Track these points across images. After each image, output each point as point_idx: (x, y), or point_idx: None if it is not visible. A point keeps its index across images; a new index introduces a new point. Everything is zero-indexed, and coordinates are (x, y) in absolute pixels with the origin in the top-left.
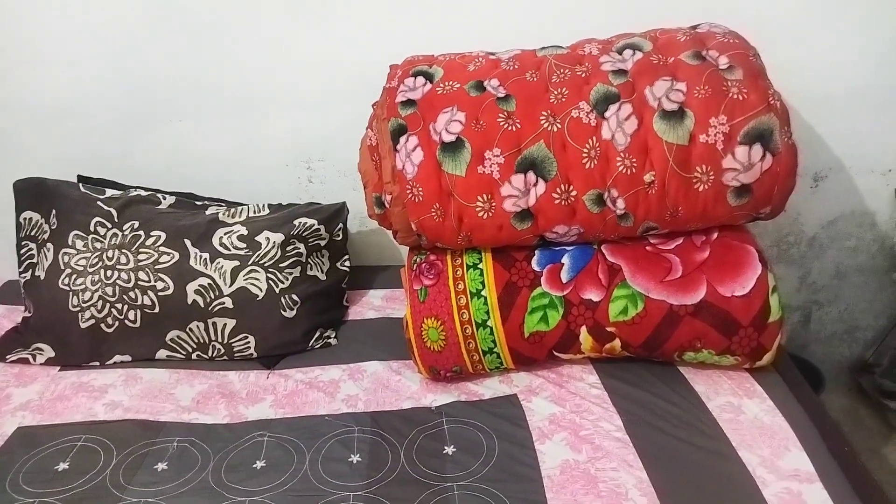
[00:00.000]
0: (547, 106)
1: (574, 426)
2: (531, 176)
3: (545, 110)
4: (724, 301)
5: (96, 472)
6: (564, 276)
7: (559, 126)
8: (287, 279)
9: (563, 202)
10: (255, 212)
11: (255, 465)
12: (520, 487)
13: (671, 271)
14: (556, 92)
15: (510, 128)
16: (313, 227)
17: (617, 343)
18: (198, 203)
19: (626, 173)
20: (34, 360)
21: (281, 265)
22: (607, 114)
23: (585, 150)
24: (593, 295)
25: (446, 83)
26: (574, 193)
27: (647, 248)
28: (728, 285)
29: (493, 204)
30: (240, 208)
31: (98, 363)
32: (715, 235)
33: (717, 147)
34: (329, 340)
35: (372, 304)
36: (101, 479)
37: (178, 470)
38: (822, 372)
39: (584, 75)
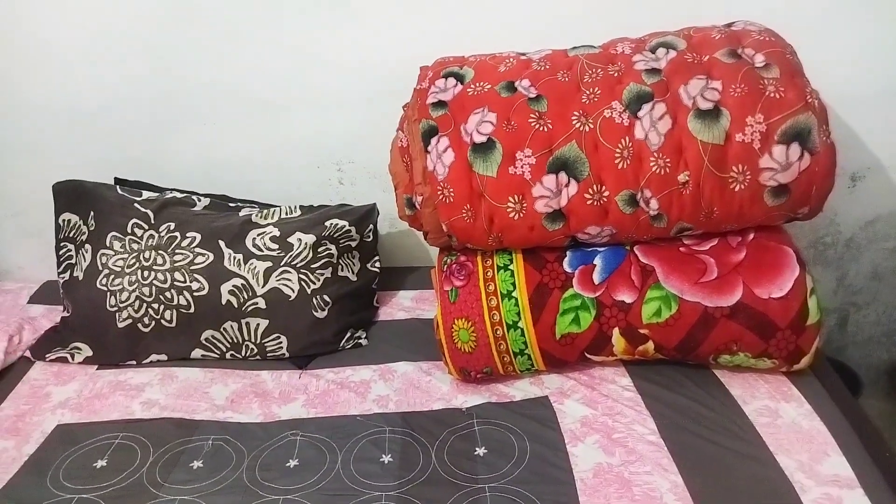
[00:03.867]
0: (579, 106)
1: (607, 429)
2: (563, 176)
3: (577, 110)
4: (761, 303)
5: (134, 470)
6: (596, 278)
7: (591, 126)
8: (318, 280)
9: (595, 203)
10: (286, 213)
11: (288, 464)
12: (552, 490)
13: (706, 272)
14: (588, 92)
15: (541, 128)
16: (344, 229)
17: (650, 345)
18: (231, 205)
19: (659, 173)
20: (72, 359)
21: (312, 266)
22: (640, 113)
23: (618, 151)
24: (626, 296)
25: (477, 84)
26: (606, 194)
27: (680, 248)
28: (765, 287)
29: (525, 205)
30: (272, 210)
31: (135, 362)
32: (751, 236)
33: (754, 146)
34: (360, 341)
35: (402, 305)
36: (138, 477)
37: (213, 468)
38: (859, 376)
39: (616, 74)
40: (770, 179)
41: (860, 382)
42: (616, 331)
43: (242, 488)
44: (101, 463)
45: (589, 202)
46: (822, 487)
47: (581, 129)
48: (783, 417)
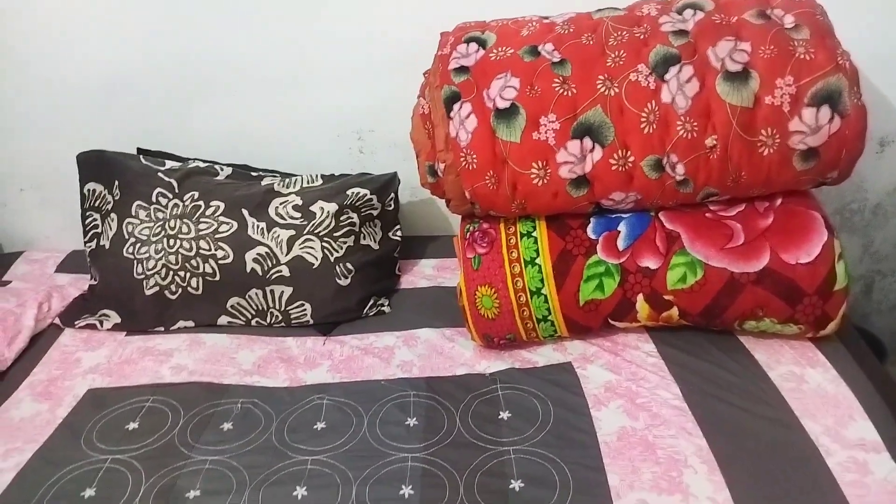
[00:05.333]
0: (604, 69)
1: (630, 394)
2: (587, 142)
3: (602, 74)
4: (789, 268)
5: (165, 432)
6: (621, 244)
7: (616, 90)
8: (341, 248)
9: (620, 168)
10: (308, 182)
11: (315, 427)
12: (576, 453)
13: (732, 238)
14: (613, 55)
15: (566, 93)
16: (366, 197)
17: (675, 311)
18: (253, 174)
19: (686, 137)
20: (101, 325)
21: (335, 234)
22: (667, 76)
23: (644, 115)
24: (651, 262)
25: (499, 49)
26: (632, 159)
27: (706, 214)
28: (792, 252)
29: (549, 171)
30: (293, 179)
31: (163, 329)
32: (779, 201)
33: (784, 109)
34: (382, 308)
35: (424, 274)
36: (170, 438)
37: (243, 430)
38: (884, 343)
39: (642, 37)
40: (799, 143)
41: (884, 350)
42: (640, 297)
43: (272, 449)
44: (132, 425)
45: (614, 168)
46: (847, 451)
47: (606, 93)
48: (808, 382)
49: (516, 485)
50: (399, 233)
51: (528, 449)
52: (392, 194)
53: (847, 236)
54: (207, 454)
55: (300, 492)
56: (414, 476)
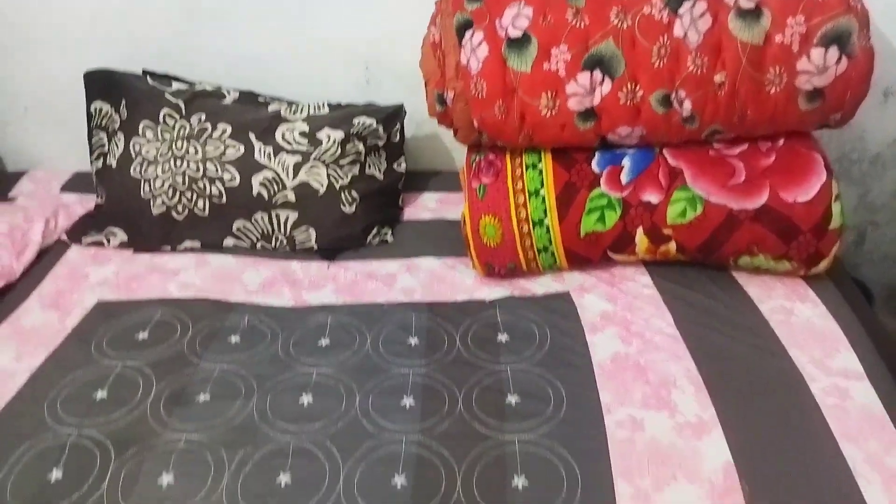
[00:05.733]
0: (618, 2)
1: (625, 322)
2: (597, 74)
3: (615, 6)
4: (786, 206)
5: (174, 342)
6: (624, 178)
7: (629, 23)
8: (346, 176)
9: (628, 102)
10: (314, 110)
11: (319, 343)
12: (571, 373)
13: (734, 175)
14: None
15: (578, 24)
16: (371, 127)
17: (672, 245)
18: (259, 100)
19: (695, 73)
20: (108, 243)
21: (341, 162)
22: (681, 10)
23: (655, 49)
24: (652, 197)
25: None
26: (640, 93)
27: (710, 152)
28: (791, 191)
29: (557, 102)
30: (300, 105)
31: (169, 247)
32: (781, 142)
33: (793, 48)
34: (385, 238)
35: (427, 207)
36: (179, 347)
37: (250, 342)
38: (873, 293)
39: None
40: (806, 83)
41: (873, 300)
42: (640, 230)
43: (279, 361)
44: (142, 335)
45: (622, 101)
46: (830, 378)
47: (619, 25)
48: (797, 316)
49: (512, 399)
50: (403, 165)
51: (525, 368)
52: (398, 125)
53: (844, 186)
54: (216, 363)
55: (306, 399)
56: (415, 388)
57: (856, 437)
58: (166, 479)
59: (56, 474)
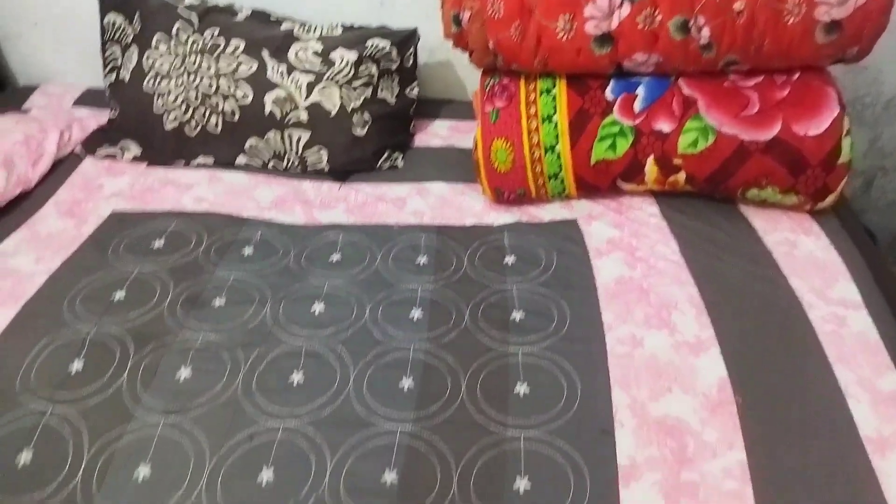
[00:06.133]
0: None
1: (631, 248)
2: None
3: None
4: (797, 139)
5: (189, 251)
6: (637, 106)
7: None
8: (359, 98)
9: (646, 27)
10: (328, 31)
11: (331, 259)
12: (576, 294)
13: (747, 107)
14: None
15: None
16: (385, 50)
17: (682, 175)
18: (271, 18)
19: (715, 0)
20: (122, 156)
21: (353, 84)
22: None
23: None
24: (664, 126)
25: None
26: (659, 18)
27: (725, 83)
28: (803, 124)
29: (574, 25)
30: (313, 25)
31: (183, 162)
32: (796, 75)
33: None
34: (396, 163)
35: (437, 134)
36: (194, 256)
37: (263, 255)
38: (877, 239)
39: None
40: (824, 14)
41: (876, 243)
42: (650, 159)
43: (291, 273)
44: (158, 244)
45: (640, 26)
46: (829, 307)
47: None
48: (800, 248)
49: (517, 315)
50: (416, 91)
51: (530, 287)
52: (411, 49)
53: (855, 130)
54: (230, 271)
55: (318, 308)
56: (423, 302)
57: (849, 361)
58: (184, 373)
59: (77, 366)
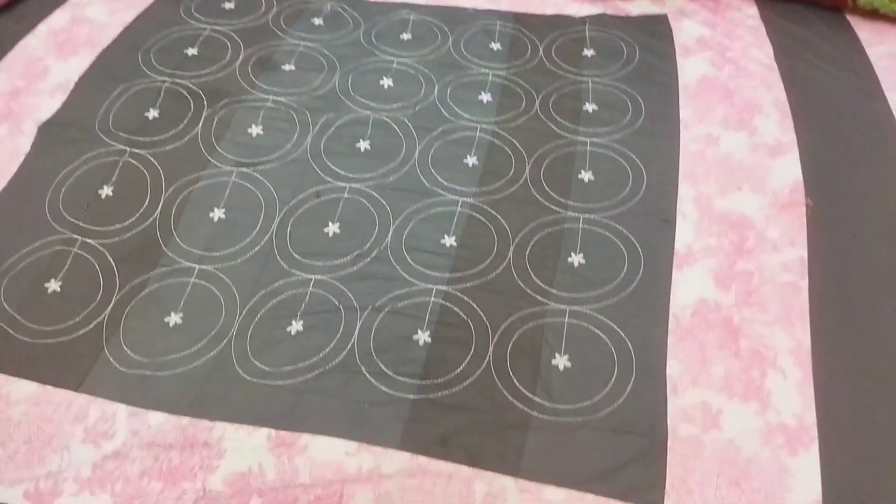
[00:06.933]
0: None
1: (721, 48)
2: None
3: None
4: None
5: (260, 15)
6: None
7: None
8: None
9: None
10: None
11: (401, 37)
12: (654, 90)
13: None
14: None
15: None
16: None
17: None
18: None
19: None
20: None
21: None
22: None
23: None
24: None
25: None
26: None
27: None
28: None
29: None
30: None
31: None
32: None
33: None
34: None
35: None
36: (264, 20)
37: (333, 26)
38: None
39: None
40: None
41: None
42: None
43: (360, 46)
44: (228, 5)
45: None
46: None
47: None
48: None
49: (590, 107)
50: None
51: (607, 82)
52: None
53: None
54: (300, 39)
55: (386, 82)
56: (493, 87)
57: None
58: (255, 129)
59: (153, 113)
